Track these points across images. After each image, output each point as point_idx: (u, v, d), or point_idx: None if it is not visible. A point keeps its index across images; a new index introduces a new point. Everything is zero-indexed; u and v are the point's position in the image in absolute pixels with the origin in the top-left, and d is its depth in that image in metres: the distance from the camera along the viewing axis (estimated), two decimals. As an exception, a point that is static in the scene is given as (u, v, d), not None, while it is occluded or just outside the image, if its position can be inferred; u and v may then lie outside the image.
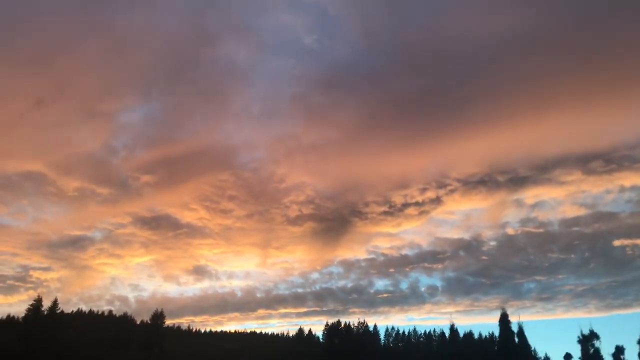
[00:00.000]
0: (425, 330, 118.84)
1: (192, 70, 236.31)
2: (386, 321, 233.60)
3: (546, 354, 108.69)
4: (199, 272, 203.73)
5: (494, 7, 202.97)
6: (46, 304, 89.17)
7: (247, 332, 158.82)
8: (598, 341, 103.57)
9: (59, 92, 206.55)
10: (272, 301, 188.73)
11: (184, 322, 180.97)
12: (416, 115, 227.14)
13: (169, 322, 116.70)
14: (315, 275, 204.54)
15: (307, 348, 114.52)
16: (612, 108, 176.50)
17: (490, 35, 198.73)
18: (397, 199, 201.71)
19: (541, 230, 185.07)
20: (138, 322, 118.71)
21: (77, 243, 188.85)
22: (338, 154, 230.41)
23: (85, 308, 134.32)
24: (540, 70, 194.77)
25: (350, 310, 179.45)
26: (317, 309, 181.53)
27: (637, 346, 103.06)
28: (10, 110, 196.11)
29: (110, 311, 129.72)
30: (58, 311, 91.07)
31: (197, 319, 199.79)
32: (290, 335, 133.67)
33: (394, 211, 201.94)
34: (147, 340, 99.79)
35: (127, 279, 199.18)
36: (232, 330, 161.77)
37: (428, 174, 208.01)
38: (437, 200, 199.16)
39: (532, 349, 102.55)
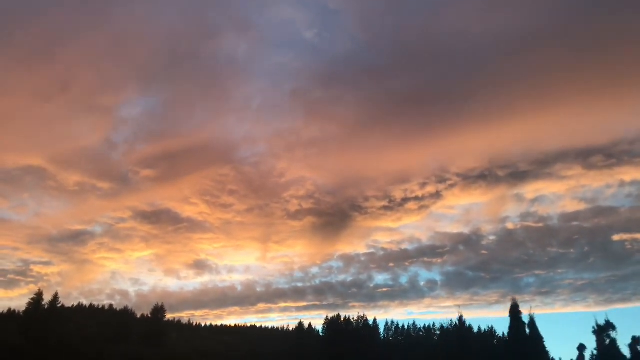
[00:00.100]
0: (424, 324, 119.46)
1: (192, 65, 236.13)
2: (386, 315, 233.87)
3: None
4: (200, 266, 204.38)
5: (494, 2, 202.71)
6: (47, 298, 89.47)
7: (247, 326, 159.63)
8: (614, 332, 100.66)
9: (59, 86, 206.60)
10: (272, 295, 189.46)
11: (184, 316, 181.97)
12: (416, 110, 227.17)
13: (169, 316, 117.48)
14: (315, 270, 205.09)
15: (307, 342, 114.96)
16: (612, 103, 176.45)
17: (491, 30, 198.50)
18: (397, 193, 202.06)
19: (541, 224, 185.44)
20: (139, 316, 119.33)
21: (78, 237, 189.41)
22: (338, 148, 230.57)
23: (85, 302, 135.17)
24: (540, 65, 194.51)
25: (350, 304, 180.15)
26: (317, 303, 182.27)
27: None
28: (11, 105, 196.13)
29: (111, 305, 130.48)
30: (59, 305, 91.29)
31: (198, 313, 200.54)
32: (291, 329, 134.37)
33: (393, 206, 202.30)
34: (147, 334, 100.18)
35: (128, 273, 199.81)
36: (233, 324, 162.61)
37: (428, 169, 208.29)
38: (437, 195, 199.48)
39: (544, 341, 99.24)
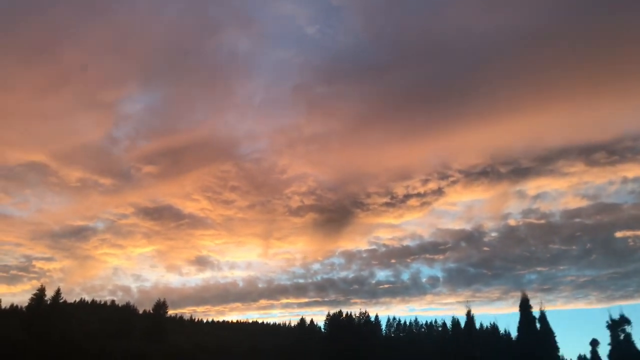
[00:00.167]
0: (426, 321, 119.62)
1: (194, 61, 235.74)
2: (387, 312, 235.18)
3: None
4: (201, 262, 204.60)
5: (497, 0, 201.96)
6: (49, 293, 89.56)
7: (249, 322, 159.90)
8: (629, 326, 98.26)
9: (61, 82, 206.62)
10: (273, 291, 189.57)
11: (186, 312, 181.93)
12: (418, 106, 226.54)
13: (171, 312, 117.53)
14: (316, 266, 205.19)
15: (309, 338, 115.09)
16: (615, 99, 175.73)
17: (493, 28, 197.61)
18: (399, 190, 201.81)
19: (543, 221, 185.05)
20: (141, 312, 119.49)
21: (80, 233, 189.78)
22: (340, 144, 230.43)
23: (87, 298, 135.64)
24: (542, 61, 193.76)
25: (352, 300, 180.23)
26: (319, 299, 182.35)
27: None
28: (13, 101, 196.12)
29: (113, 301, 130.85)
30: (61, 301, 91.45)
31: (200, 309, 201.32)
32: (292, 325, 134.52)
33: (395, 202, 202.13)
34: (149, 330, 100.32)
35: (130, 269, 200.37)
36: (234, 320, 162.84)
37: (430, 165, 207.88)
38: (438, 192, 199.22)
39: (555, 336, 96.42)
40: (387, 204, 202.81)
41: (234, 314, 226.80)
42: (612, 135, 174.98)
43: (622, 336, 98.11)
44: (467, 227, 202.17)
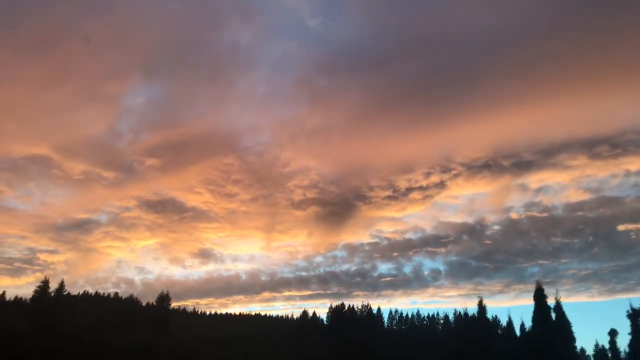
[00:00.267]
0: (428, 313, 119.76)
1: (197, 53, 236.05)
2: (389, 304, 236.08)
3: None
4: (204, 255, 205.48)
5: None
6: (53, 286, 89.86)
7: (251, 315, 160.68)
8: None
9: (64, 75, 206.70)
10: (276, 284, 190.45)
11: (189, 304, 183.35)
12: (421, 99, 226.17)
13: (174, 304, 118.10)
14: (319, 259, 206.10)
15: (312, 330, 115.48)
16: (618, 92, 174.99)
17: (496, 20, 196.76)
18: (401, 183, 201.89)
19: (545, 214, 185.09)
20: (144, 304, 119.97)
21: (83, 226, 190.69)
22: (342, 137, 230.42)
23: (91, 290, 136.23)
24: (545, 54, 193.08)
25: (354, 293, 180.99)
26: (321, 292, 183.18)
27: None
28: (15, 94, 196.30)
29: (117, 293, 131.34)
30: (65, 293, 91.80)
31: (203, 301, 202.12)
32: (295, 317, 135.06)
33: (398, 195, 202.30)
34: (153, 322, 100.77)
35: (133, 262, 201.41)
36: (237, 313, 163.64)
37: (432, 158, 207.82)
38: (441, 185, 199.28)
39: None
40: (389, 197, 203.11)
41: (236, 307, 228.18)
42: (615, 128, 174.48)
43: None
44: (469, 220, 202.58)
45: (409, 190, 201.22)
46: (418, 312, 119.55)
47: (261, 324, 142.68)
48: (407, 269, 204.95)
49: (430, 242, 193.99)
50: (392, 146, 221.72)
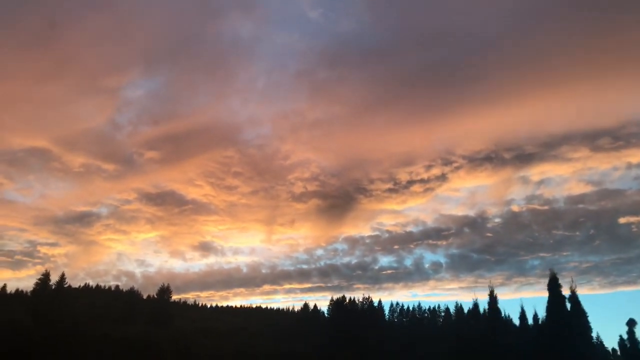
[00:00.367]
0: (429, 306, 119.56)
1: (196, 46, 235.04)
2: (390, 297, 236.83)
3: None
4: (205, 248, 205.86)
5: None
6: (54, 278, 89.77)
7: (252, 307, 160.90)
8: None
9: (63, 67, 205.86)
10: (277, 277, 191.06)
11: (190, 297, 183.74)
12: (422, 92, 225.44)
13: (175, 297, 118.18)
14: (320, 252, 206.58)
15: (313, 323, 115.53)
16: (620, 84, 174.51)
17: (497, 11, 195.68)
18: (402, 176, 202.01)
19: (546, 207, 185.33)
20: (145, 297, 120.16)
21: (83, 219, 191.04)
22: (343, 130, 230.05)
23: (92, 283, 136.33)
24: (547, 46, 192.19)
25: (355, 286, 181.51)
26: (322, 284, 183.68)
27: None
28: (15, 87, 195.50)
29: (117, 286, 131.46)
30: (65, 286, 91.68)
31: (203, 294, 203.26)
32: (296, 310, 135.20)
33: (398, 188, 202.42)
34: (154, 315, 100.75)
35: (134, 255, 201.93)
36: (238, 305, 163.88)
37: (433, 151, 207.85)
38: (442, 177, 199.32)
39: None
40: (390, 190, 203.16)
41: (237, 299, 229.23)
42: (616, 120, 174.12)
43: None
44: (471, 213, 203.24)
45: (410, 183, 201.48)
46: (419, 305, 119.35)
47: (262, 316, 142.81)
48: (408, 262, 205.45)
49: (431, 235, 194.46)
50: (392, 139, 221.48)
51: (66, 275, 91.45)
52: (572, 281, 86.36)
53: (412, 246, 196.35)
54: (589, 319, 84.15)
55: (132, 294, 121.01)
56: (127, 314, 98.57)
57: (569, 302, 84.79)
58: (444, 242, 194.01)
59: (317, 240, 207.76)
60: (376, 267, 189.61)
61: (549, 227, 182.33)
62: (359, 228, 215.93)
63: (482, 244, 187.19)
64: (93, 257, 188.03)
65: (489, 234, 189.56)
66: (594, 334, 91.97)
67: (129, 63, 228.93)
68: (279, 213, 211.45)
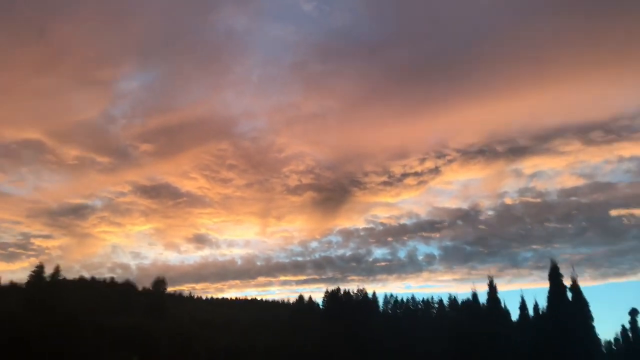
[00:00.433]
0: (423, 298, 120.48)
1: (191, 38, 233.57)
2: (384, 289, 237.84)
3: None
4: (200, 240, 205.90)
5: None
6: (48, 271, 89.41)
7: (247, 299, 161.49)
8: None
9: (57, 59, 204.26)
10: (272, 269, 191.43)
11: (185, 289, 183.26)
12: (416, 85, 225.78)
13: (170, 289, 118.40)
14: (314, 244, 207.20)
15: (307, 314, 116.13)
16: (612, 78, 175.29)
17: (490, 4, 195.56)
18: (396, 169, 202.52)
19: (539, 200, 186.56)
20: (140, 289, 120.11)
21: (78, 211, 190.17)
22: (338, 123, 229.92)
23: (87, 275, 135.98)
24: (540, 39, 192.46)
25: (349, 278, 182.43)
26: (317, 276, 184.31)
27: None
28: (8, 78, 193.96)
29: (112, 278, 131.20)
30: (60, 278, 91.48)
31: (198, 286, 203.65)
32: (291, 302, 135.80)
33: (393, 181, 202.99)
34: (149, 306, 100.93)
35: (128, 247, 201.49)
36: (233, 297, 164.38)
37: (427, 144, 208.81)
38: (435, 171, 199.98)
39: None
40: (384, 183, 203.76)
41: (232, 292, 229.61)
42: (609, 114, 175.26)
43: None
44: (464, 205, 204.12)
45: (404, 175, 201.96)
46: (413, 296, 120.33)
47: (257, 308, 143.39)
48: (402, 254, 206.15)
49: (425, 227, 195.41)
50: (387, 132, 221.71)
51: (61, 268, 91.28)
52: (573, 270, 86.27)
53: (405, 238, 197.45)
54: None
55: (128, 286, 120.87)
56: (122, 306, 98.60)
57: (570, 291, 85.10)
58: (438, 235, 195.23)
59: (312, 233, 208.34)
60: (370, 259, 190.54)
61: (542, 219, 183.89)
62: (354, 220, 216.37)
63: (475, 236, 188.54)
64: (88, 249, 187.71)
65: (482, 227, 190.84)
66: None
67: (124, 55, 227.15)
68: (274, 206, 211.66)
